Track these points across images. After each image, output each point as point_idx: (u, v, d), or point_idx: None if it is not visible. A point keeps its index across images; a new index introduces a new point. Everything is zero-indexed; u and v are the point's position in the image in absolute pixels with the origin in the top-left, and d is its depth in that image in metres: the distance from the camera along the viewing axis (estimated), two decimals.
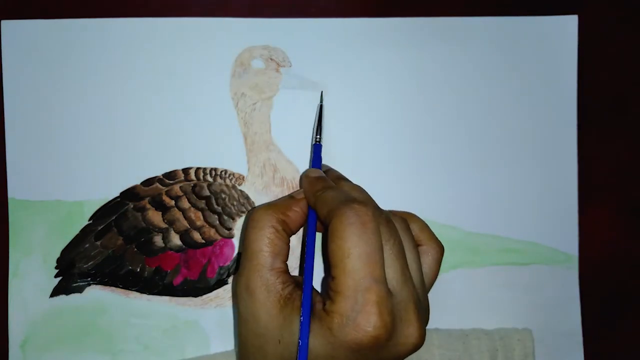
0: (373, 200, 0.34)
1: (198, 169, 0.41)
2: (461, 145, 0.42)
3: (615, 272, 0.43)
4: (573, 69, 0.42)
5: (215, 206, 0.41)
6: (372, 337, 0.29)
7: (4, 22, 0.41)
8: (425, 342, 0.40)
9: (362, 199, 0.33)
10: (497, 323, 0.41)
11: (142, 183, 0.41)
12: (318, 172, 0.37)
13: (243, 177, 0.41)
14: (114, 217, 0.41)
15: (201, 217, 0.40)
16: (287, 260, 0.35)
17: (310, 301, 0.32)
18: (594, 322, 0.42)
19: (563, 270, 0.42)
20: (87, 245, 0.41)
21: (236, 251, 0.41)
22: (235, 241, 0.41)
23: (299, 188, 0.41)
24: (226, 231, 0.40)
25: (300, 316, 0.31)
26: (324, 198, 0.33)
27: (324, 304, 0.31)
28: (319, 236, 0.40)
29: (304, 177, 0.37)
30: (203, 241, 0.40)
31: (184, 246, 0.40)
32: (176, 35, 0.41)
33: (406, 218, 0.36)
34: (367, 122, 0.42)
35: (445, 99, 0.42)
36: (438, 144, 0.42)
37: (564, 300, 0.42)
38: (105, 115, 0.41)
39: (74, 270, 0.41)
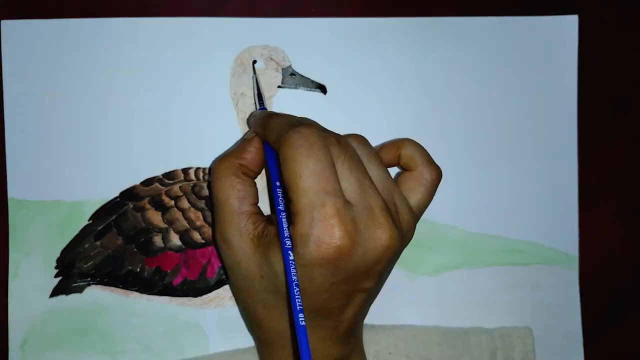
0: (318, 124, 0.34)
1: (198, 169, 0.41)
2: (461, 145, 0.42)
3: (615, 272, 0.43)
4: (573, 69, 0.42)
5: None
6: (336, 247, 0.30)
7: (4, 22, 0.41)
8: (425, 340, 0.40)
9: (307, 121, 0.33)
10: (498, 323, 0.41)
11: (141, 183, 0.41)
12: (259, 112, 0.38)
13: None
14: (113, 217, 0.41)
15: (201, 217, 0.40)
16: (256, 202, 0.35)
17: (286, 235, 0.32)
18: (594, 322, 0.42)
19: (563, 271, 0.42)
20: (86, 246, 0.41)
21: None
22: None
23: None
24: None
25: (282, 253, 0.32)
26: (270, 125, 0.34)
27: (288, 230, 0.32)
28: None
29: (250, 116, 0.38)
30: (203, 241, 0.40)
31: (183, 246, 0.40)
32: (176, 35, 0.41)
33: (399, 143, 0.37)
34: (367, 122, 0.42)
35: (445, 99, 0.42)
36: (438, 144, 0.42)
37: (565, 300, 0.42)
38: (105, 115, 0.41)
39: (73, 271, 0.41)
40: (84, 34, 0.41)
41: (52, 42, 0.41)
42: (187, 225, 0.40)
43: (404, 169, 0.37)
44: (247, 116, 0.41)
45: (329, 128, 0.41)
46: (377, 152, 0.36)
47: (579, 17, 0.42)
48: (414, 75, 0.42)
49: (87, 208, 0.41)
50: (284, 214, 0.33)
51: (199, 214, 0.40)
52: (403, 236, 0.34)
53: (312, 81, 0.41)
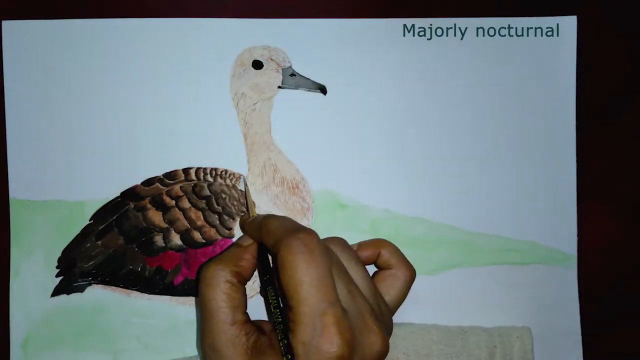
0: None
1: (198, 169, 0.41)
2: (461, 145, 0.42)
3: (614, 272, 0.43)
4: (572, 70, 0.42)
5: (216, 206, 0.41)
6: (337, 357, 0.30)
7: (4, 22, 0.41)
8: (424, 338, 0.40)
9: (304, 227, 0.33)
10: (497, 322, 0.41)
11: (142, 183, 0.41)
12: (251, 217, 0.38)
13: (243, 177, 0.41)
14: (114, 217, 0.41)
15: (201, 217, 0.41)
16: (246, 309, 0.35)
17: (278, 337, 0.32)
18: (593, 321, 0.42)
19: (562, 270, 0.42)
20: (88, 245, 0.41)
21: None
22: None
23: (298, 188, 0.41)
24: (226, 231, 0.41)
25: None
26: (267, 227, 0.34)
27: (288, 338, 0.32)
28: None
29: (243, 222, 0.38)
30: (203, 241, 0.41)
31: (184, 246, 0.41)
32: (176, 35, 0.41)
33: (377, 243, 0.38)
34: (367, 122, 0.42)
35: (444, 99, 0.42)
36: (438, 144, 0.42)
37: (563, 299, 0.42)
38: (105, 115, 0.41)
39: (75, 270, 0.41)
40: (85, 35, 0.41)
41: (52, 42, 0.41)
42: (188, 225, 0.41)
43: (381, 267, 0.38)
44: (247, 116, 0.41)
45: (329, 129, 0.42)
46: (357, 253, 0.36)
47: (578, 18, 0.42)
48: (414, 75, 0.42)
49: (88, 208, 0.41)
50: (281, 325, 0.33)
51: (200, 213, 0.41)
52: (388, 337, 0.34)
53: (312, 82, 0.41)
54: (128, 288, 0.41)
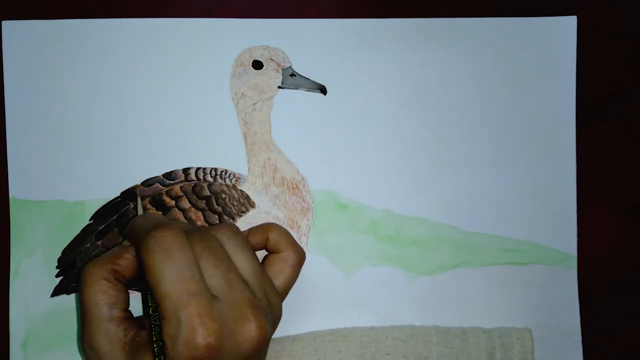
0: (179, 223, 0.36)
1: (198, 169, 0.41)
2: (461, 145, 0.42)
3: (613, 272, 0.43)
4: (572, 70, 0.42)
5: (216, 206, 0.41)
6: (203, 347, 0.30)
7: (4, 22, 0.41)
8: (423, 339, 0.40)
9: (165, 222, 0.34)
10: (496, 323, 0.41)
11: (142, 183, 0.41)
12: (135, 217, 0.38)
13: (243, 177, 0.41)
14: (114, 217, 0.41)
15: (201, 217, 0.41)
16: (127, 307, 0.35)
17: (152, 338, 0.33)
18: (593, 322, 0.42)
19: (562, 270, 0.42)
20: (88, 245, 0.41)
21: None
22: None
23: (298, 188, 0.41)
24: None
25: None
26: (132, 228, 0.35)
27: (159, 334, 0.32)
28: None
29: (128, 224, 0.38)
30: None
31: None
32: (176, 35, 0.41)
33: (266, 228, 0.38)
34: (367, 122, 0.42)
35: (445, 99, 0.42)
36: (438, 144, 0.42)
37: (563, 299, 0.42)
38: (105, 115, 0.41)
39: (75, 270, 0.41)
40: (84, 35, 0.41)
41: (52, 42, 0.41)
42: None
43: (271, 251, 0.38)
44: (247, 116, 0.41)
45: (329, 129, 0.42)
46: (246, 239, 0.36)
47: (578, 18, 0.42)
48: (414, 75, 0.42)
49: (88, 208, 0.41)
50: (152, 318, 0.33)
51: (200, 214, 0.41)
52: (274, 322, 0.35)
53: (312, 82, 0.41)
54: (128, 288, 0.41)
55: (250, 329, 0.32)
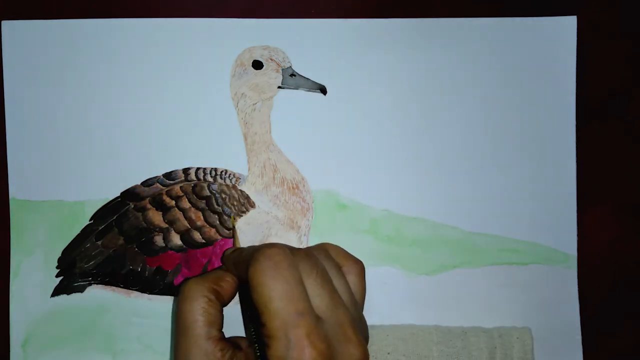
0: (287, 245, 0.35)
1: (198, 169, 0.41)
2: (461, 145, 0.42)
3: (613, 272, 0.43)
4: (572, 70, 0.42)
5: (216, 206, 0.41)
6: None
7: (4, 22, 0.41)
8: (424, 338, 0.40)
9: (272, 244, 0.34)
10: (497, 322, 0.41)
11: (142, 183, 0.41)
12: (234, 248, 0.39)
13: (243, 177, 0.41)
14: (114, 217, 0.41)
15: (201, 217, 0.41)
16: (222, 328, 0.35)
17: None
18: (593, 321, 0.42)
19: (562, 270, 0.42)
20: (88, 245, 0.41)
21: None
22: None
23: (298, 188, 0.41)
24: (226, 231, 0.41)
25: None
26: (240, 259, 0.35)
27: (265, 353, 0.32)
28: None
29: (224, 255, 0.38)
30: (203, 241, 0.41)
31: (184, 246, 0.41)
32: (176, 35, 0.41)
33: (321, 247, 0.37)
34: (367, 122, 0.42)
35: (445, 99, 0.42)
36: (438, 144, 0.42)
37: (563, 299, 0.42)
38: (105, 115, 0.41)
39: (75, 270, 0.41)
40: (84, 34, 0.41)
41: (52, 42, 0.41)
42: (188, 225, 0.41)
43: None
44: (247, 116, 0.41)
45: (329, 129, 0.42)
46: (336, 261, 0.36)
47: (578, 18, 0.42)
48: (414, 75, 0.42)
49: (88, 208, 0.41)
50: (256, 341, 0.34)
51: (200, 214, 0.41)
52: (366, 343, 0.34)
53: (312, 82, 0.41)
54: (128, 288, 0.41)
55: (354, 351, 0.32)
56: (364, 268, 0.37)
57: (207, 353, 0.34)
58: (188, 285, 0.35)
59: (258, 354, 0.33)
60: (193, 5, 0.42)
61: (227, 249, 0.39)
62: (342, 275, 0.35)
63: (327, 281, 0.33)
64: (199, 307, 0.34)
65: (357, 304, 0.35)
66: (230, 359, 0.34)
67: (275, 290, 0.31)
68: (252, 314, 0.35)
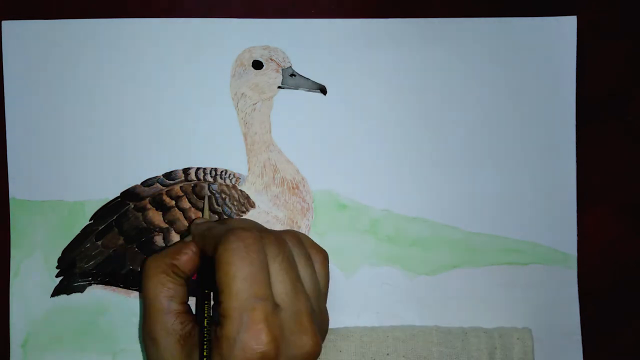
0: (258, 225, 0.35)
1: (198, 169, 0.41)
2: (461, 145, 0.42)
3: (613, 272, 0.43)
4: (572, 70, 0.42)
5: (216, 206, 0.41)
6: (260, 353, 0.30)
7: (4, 22, 0.41)
8: (424, 339, 0.40)
9: (244, 225, 0.34)
10: (497, 322, 0.41)
11: (142, 183, 0.41)
12: (204, 219, 0.39)
13: (243, 177, 0.41)
14: (114, 217, 0.41)
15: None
16: (186, 301, 0.36)
17: (203, 338, 0.33)
18: (593, 322, 0.42)
19: (562, 270, 0.42)
20: (88, 245, 0.41)
21: None
22: None
23: (298, 188, 0.41)
24: None
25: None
26: (210, 234, 0.35)
27: (215, 331, 0.32)
28: None
29: (192, 224, 0.38)
30: None
31: None
32: (177, 35, 0.41)
33: (295, 234, 0.37)
34: (367, 122, 0.42)
35: (444, 99, 0.42)
36: (438, 144, 0.42)
37: (563, 299, 0.42)
38: (105, 115, 0.41)
39: (75, 270, 0.41)
40: (84, 35, 0.41)
41: (52, 42, 0.41)
42: (188, 225, 0.41)
43: None
44: (247, 116, 0.41)
45: (329, 129, 0.42)
46: (307, 250, 0.36)
47: (578, 18, 0.42)
48: (414, 75, 0.42)
49: (88, 208, 0.41)
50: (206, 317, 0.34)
51: (200, 214, 0.41)
52: (322, 337, 0.34)
53: (312, 82, 0.41)
54: (128, 288, 0.41)
55: (307, 342, 0.32)
56: (327, 257, 0.36)
57: (167, 326, 0.34)
58: (147, 263, 0.36)
59: (206, 331, 0.33)
60: (193, 5, 0.42)
61: (196, 218, 0.39)
62: (310, 264, 0.34)
63: (291, 267, 0.33)
64: (157, 282, 0.35)
65: (321, 293, 0.35)
66: (189, 332, 0.34)
67: (241, 270, 0.31)
68: (209, 290, 0.35)
